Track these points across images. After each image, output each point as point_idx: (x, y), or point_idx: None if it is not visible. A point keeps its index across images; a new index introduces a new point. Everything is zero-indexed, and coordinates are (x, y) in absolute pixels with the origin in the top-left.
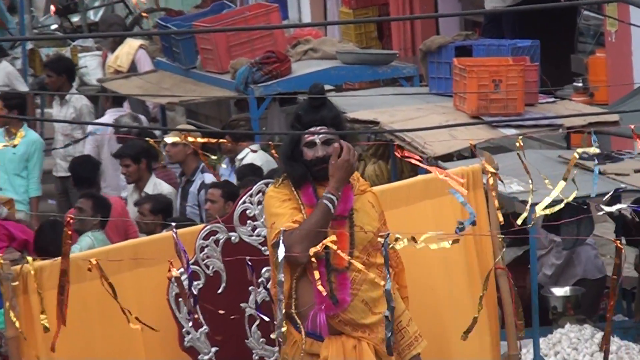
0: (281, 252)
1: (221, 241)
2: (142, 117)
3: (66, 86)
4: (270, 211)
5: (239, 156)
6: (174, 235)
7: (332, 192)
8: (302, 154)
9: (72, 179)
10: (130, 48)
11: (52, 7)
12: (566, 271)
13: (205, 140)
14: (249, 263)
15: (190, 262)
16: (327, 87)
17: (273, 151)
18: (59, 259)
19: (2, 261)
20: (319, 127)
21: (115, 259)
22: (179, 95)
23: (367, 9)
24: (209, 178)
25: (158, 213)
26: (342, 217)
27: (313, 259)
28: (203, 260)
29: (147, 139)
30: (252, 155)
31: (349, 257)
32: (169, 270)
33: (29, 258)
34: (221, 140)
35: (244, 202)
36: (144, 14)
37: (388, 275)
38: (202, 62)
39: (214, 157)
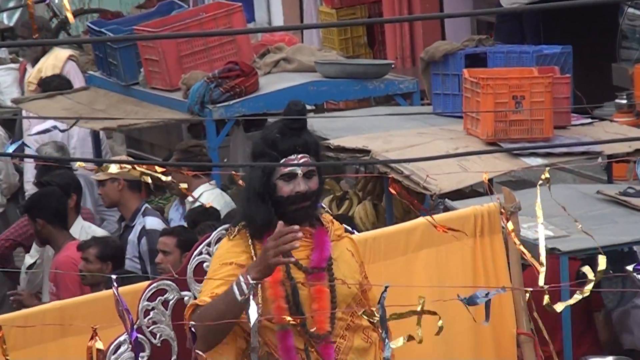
0: (253, 313)
1: (171, 302)
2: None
3: None
4: (208, 273)
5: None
6: (115, 292)
7: (253, 276)
8: (275, 190)
9: (39, 215)
10: (56, 59)
11: None
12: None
13: (144, 169)
14: (192, 329)
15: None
16: None
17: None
18: None
19: None
20: (300, 156)
21: (35, 325)
22: (117, 118)
23: (354, 9)
24: (152, 223)
25: (106, 260)
26: (319, 269)
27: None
28: (148, 327)
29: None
30: (208, 195)
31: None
32: (91, 339)
33: None
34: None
35: (200, 254)
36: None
37: (387, 340)
38: (146, 77)
39: (163, 197)
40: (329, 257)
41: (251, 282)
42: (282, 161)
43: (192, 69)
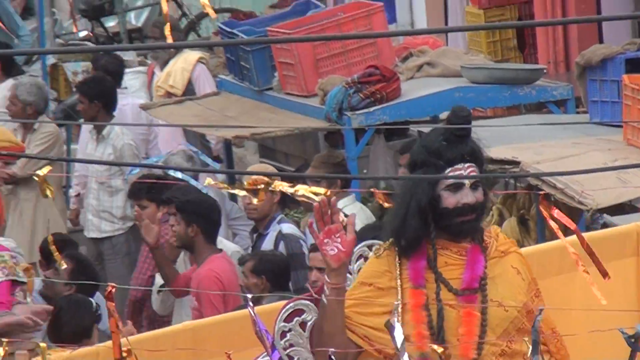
0: (399, 336)
1: (309, 324)
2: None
3: (102, 116)
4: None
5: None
6: (251, 312)
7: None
8: (439, 201)
9: (197, 221)
10: (186, 62)
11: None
12: None
13: (287, 186)
14: (332, 357)
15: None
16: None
17: (382, 202)
18: (82, 349)
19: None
20: (467, 165)
21: (163, 349)
22: (250, 126)
23: (503, 9)
24: (288, 228)
25: (261, 274)
26: (470, 290)
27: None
28: (285, 350)
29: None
30: (348, 210)
31: None
32: None
33: (43, 345)
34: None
35: None
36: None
37: None
38: (280, 82)
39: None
40: (483, 277)
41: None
42: (447, 171)
43: (330, 73)
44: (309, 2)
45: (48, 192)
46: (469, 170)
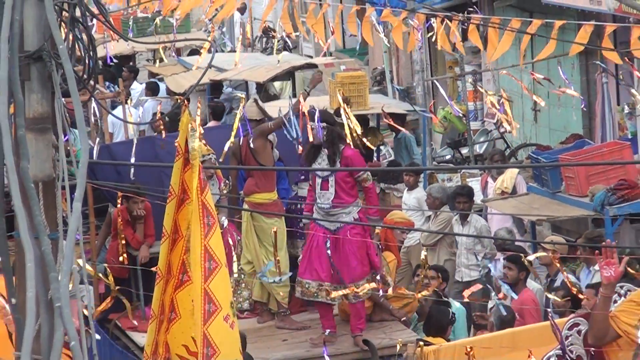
0: None
1: (583, 331)
2: None
3: None
4: None
5: None
6: (553, 323)
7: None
8: None
9: (525, 273)
10: (512, 173)
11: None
12: None
13: None
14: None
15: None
16: None
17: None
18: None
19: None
20: None
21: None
22: (546, 215)
23: None
24: None
25: None
26: None
27: None
28: (567, 347)
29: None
30: None
31: None
32: (529, 357)
33: None
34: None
35: None
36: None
37: None
38: (565, 187)
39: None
40: None
41: None
42: None
43: (596, 183)
44: (584, 141)
45: None
46: None
